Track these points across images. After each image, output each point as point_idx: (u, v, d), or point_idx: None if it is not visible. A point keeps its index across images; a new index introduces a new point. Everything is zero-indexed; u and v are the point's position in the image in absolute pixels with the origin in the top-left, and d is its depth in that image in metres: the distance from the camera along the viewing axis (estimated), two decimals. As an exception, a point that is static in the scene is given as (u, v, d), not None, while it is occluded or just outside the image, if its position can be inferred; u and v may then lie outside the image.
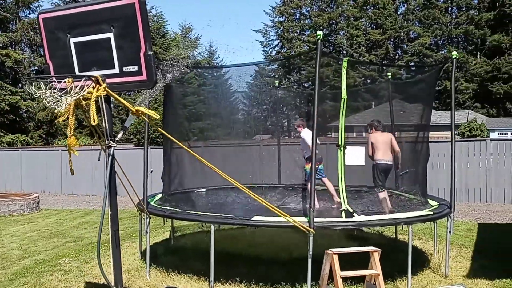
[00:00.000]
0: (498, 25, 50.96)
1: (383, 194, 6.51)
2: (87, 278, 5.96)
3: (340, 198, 5.45)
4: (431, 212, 5.51)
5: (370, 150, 6.72)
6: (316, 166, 7.56)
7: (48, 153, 19.32)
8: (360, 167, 5.90)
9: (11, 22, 41.06)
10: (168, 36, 51.02)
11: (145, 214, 5.92)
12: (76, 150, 3.92)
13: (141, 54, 3.55)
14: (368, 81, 50.24)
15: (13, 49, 39.46)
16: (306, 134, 7.30)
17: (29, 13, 42.02)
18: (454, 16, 54.32)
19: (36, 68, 41.78)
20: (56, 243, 8.33)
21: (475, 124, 33.69)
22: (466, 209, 11.77)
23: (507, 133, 34.23)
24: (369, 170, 6.57)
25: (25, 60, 39.80)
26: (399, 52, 57.35)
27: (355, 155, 5.53)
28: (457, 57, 5.86)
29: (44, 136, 39.89)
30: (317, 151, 7.70)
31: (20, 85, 39.87)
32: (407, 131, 7.71)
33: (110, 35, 3.61)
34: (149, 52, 3.54)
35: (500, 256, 6.78)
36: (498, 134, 34.11)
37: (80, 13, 3.68)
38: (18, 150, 19.83)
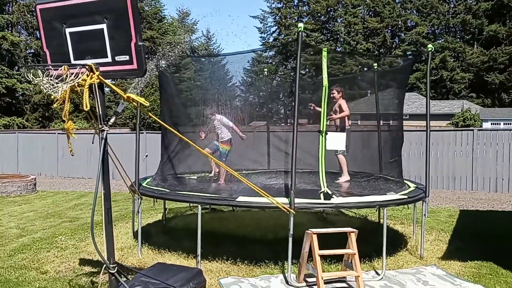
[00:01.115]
0: (496, 15, 51.07)
1: None
2: (82, 255, 6.28)
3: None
4: (406, 196, 5.84)
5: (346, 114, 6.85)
6: (222, 147, 7.73)
7: (44, 136, 19.55)
8: (341, 152, 6.21)
9: (8, 4, 40.88)
10: (165, 21, 50.86)
11: (137, 195, 6.24)
12: (75, 133, 4.19)
13: (132, 45, 3.79)
14: (365, 69, 50.43)
15: (10, 31, 39.32)
16: (220, 118, 7.91)
17: (26, -4, 41.85)
18: (452, 6, 54.36)
19: (32, 51, 41.74)
20: (53, 223, 8.64)
21: (469, 114, 34.06)
22: (451, 197, 12.14)
23: (499, 123, 34.61)
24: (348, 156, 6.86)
25: (22, 43, 39.71)
26: (396, 41, 57.45)
27: (336, 141, 5.83)
28: (432, 50, 6.14)
29: (40, 119, 40.03)
30: (230, 136, 7.82)
31: (16, 67, 39.83)
32: (387, 119, 8.02)
33: (103, 26, 3.84)
34: (140, 43, 3.78)
35: (476, 240, 7.15)
36: (491, 124, 34.50)
37: (75, 5, 3.90)
38: (15, 133, 20.05)
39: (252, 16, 64.89)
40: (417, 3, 54.05)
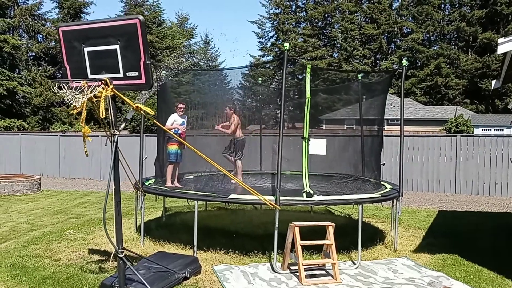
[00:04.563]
0: (489, 23, 52.10)
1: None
2: (90, 246, 6.97)
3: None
4: (379, 195, 6.55)
5: (235, 128, 8.23)
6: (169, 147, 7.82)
7: (47, 138, 20.16)
8: (322, 156, 6.90)
9: (9, 8, 41.55)
10: (165, 25, 51.61)
11: (140, 192, 6.94)
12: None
13: (141, 63, 4.50)
14: (362, 74, 51.19)
15: (11, 34, 39.97)
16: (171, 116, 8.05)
17: (27, -1, 42.57)
18: (446, 13, 55.37)
19: (33, 54, 42.37)
20: (60, 219, 9.32)
21: (461, 120, 34.84)
22: (434, 199, 12.86)
23: (490, 130, 35.40)
24: (327, 159, 7.59)
25: (23, 46, 40.34)
26: (393, 47, 58.37)
27: (317, 146, 6.52)
28: (406, 65, 6.88)
29: (40, 121, 40.67)
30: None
31: (17, 70, 40.48)
32: (369, 125, 8.69)
33: (117, 46, 4.55)
34: (148, 62, 4.49)
35: (447, 237, 7.87)
36: (482, 130, 35.29)
37: (93, 28, 4.63)
38: (18, 135, 20.66)
39: (251, 21, 65.73)
40: (413, 10, 55.03)
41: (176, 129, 7.90)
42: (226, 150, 8.64)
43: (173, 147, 7.84)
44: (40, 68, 41.70)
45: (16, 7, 41.47)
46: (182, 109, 8.05)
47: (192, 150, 5.72)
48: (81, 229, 8.20)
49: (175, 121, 7.90)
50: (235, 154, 8.41)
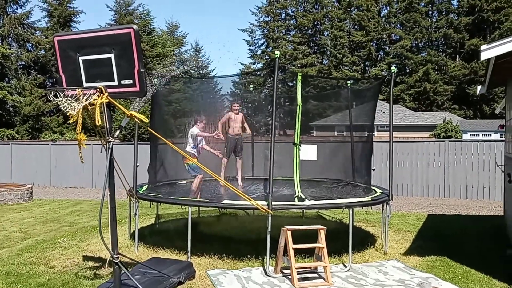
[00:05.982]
0: (476, 30, 53.03)
1: None
2: (84, 253, 7.01)
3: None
4: (370, 199, 6.68)
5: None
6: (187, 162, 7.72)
7: (38, 147, 20.10)
8: (312, 162, 7.03)
9: (-1, 17, 41.49)
10: (155, 33, 51.75)
11: (134, 199, 7.01)
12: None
13: (135, 71, 4.60)
14: (351, 81, 51.60)
15: (0, 43, 39.83)
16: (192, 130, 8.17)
17: (17, 8, 42.53)
18: (434, 20, 56.21)
19: (23, 63, 42.22)
20: (53, 227, 9.33)
21: (450, 126, 35.30)
22: (423, 203, 13.05)
23: (478, 134, 35.89)
24: (319, 165, 7.73)
25: (12, 55, 40.18)
26: (381, 54, 59.04)
27: (308, 152, 6.65)
28: (395, 72, 7.05)
29: (30, 130, 40.46)
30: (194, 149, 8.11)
31: (6, 79, 40.30)
32: (359, 131, 8.86)
33: (111, 55, 4.64)
34: (142, 70, 4.59)
35: (435, 239, 8.03)
36: (470, 135, 35.76)
37: (87, 38, 4.72)
38: (9, 144, 20.57)
39: (241, 29, 66.18)
40: (401, 17, 55.79)
41: (201, 138, 8.27)
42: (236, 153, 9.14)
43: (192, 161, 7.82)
44: (30, 77, 41.54)
45: (5, 16, 41.38)
46: (204, 125, 8.34)
47: (198, 165, 5.82)
48: (75, 237, 8.23)
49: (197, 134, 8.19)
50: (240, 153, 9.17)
